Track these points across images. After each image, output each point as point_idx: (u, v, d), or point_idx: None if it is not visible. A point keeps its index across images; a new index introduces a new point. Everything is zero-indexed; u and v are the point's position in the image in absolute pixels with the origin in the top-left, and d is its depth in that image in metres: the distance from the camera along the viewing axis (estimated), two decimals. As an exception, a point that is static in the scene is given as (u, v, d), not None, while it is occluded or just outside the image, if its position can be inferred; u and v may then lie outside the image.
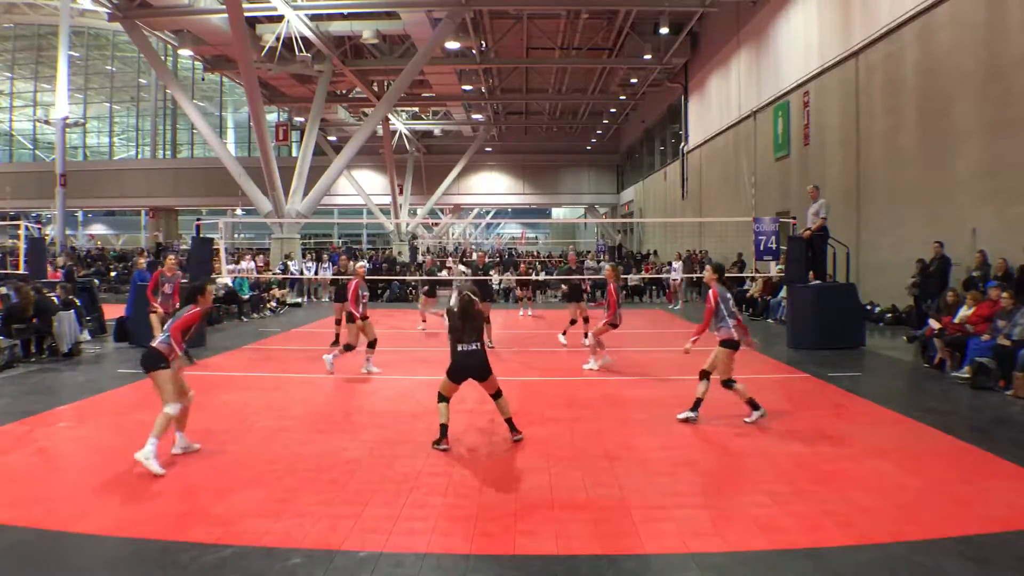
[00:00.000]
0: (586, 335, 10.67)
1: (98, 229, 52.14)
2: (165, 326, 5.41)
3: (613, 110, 35.47)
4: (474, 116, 36.08)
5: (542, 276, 21.18)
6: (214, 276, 14.27)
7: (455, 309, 5.58)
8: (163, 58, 30.16)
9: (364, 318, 8.86)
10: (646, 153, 35.22)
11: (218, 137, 27.81)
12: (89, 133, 43.53)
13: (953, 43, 11.33)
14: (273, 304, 17.29)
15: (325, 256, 25.09)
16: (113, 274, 25.53)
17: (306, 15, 20.24)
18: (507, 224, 60.95)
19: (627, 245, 36.74)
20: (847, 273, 12.27)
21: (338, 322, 11.50)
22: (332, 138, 36.36)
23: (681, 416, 6.34)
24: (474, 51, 23.96)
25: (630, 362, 9.78)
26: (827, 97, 15.62)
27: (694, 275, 19.67)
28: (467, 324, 5.56)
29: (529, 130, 41.88)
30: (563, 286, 9.25)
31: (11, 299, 10.25)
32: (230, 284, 15.80)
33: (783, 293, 13.58)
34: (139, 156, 42.69)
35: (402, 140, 37.35)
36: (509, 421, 5.75)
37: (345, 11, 21.21)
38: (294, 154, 33.53)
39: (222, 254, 15.43)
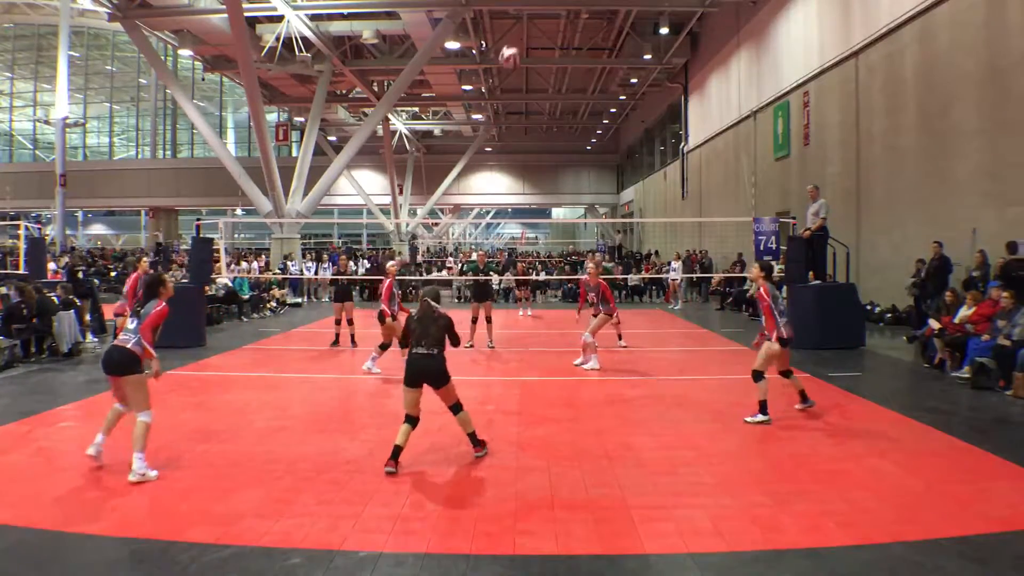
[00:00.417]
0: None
1: (98, 229, 52.18)
2: (132, 325, 4.97)
3: (613, 110, 35.43)
4: (474, 116, 36.04)
5: (542, 276, 21.17)
6: (214, 276, 14.28)
7: (415, 316, 5.48)
8: (163, 58, 30.15)
9: (394, 317, 8.93)
10: (646, 153, 35.21)
11: (218, 137, 27.79)
12: (89, 133, 43.56)
13: (953, 43, 11.33)
14: (273, 304, 17.30)
15: (325, 256, 25.07)
16: (113, 274, 25.52)
17: (306, 15, 20.23)
18: (507, 224, 60.99)
19: (627, 245, 36.75)
20: (847, 273, 12.26)
21: (337, 322, 11.49)
22: (332, 138, 36.33)
23: (751, 420, 6.32)
24: (474, 51, 23.94)
25: (630, 362, 9.78)
26: (827, 97, 15.61)
27: (694, 275, 19.70)
28: (425, 329, 5.27)
29: (529, 130, 41.86)
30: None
31: (11, 299, 10.25)
32: (230, 284, 15.80)
33: (783, 293, 13.56)
34: (139, 156, 42.73)
35: (402, 140, 37.33)
36: (472, 435, 5.37)
37: (345, 11, 21.19)
38: (294, 154, 33.54)
39: (222, 254, 15.41)
